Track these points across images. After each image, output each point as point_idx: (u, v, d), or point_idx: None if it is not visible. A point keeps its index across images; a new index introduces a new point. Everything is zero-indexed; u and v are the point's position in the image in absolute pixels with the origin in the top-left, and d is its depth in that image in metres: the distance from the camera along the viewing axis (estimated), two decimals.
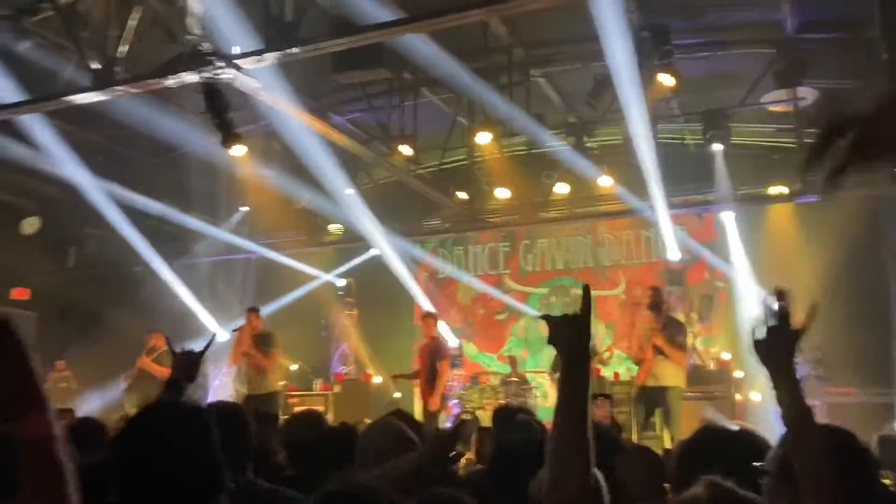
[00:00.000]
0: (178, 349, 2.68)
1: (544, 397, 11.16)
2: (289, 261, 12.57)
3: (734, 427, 2.28)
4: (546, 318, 1.81)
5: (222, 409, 2.67)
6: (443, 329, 13.27)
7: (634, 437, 7.65)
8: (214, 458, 1.77)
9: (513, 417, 3.86)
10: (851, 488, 1.86)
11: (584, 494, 1.60)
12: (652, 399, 7.67)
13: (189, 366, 2.62)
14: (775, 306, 1.89)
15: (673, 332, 7.75)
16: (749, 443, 2.16)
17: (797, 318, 1.91)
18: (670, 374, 7.67)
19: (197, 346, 2.72)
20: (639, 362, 7.91)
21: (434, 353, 8.85)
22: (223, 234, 12.66)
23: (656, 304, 7.96)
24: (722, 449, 2.13)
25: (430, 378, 8.73)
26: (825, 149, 1.09)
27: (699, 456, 2.14)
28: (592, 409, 4.59)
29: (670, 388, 7.64)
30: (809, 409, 1.84)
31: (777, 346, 1.85)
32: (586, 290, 1.85)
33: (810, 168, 1.28)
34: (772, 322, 1.88)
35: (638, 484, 2.45)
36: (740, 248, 10.86)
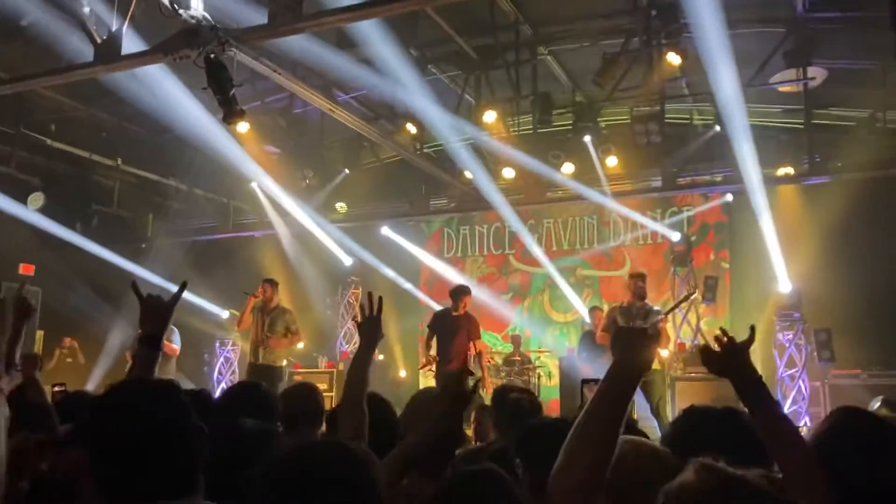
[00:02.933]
0: (145, 295, 2.34)
1: (548, 377, 11.17)
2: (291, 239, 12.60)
3: (719, 406, 2.27)
4: None
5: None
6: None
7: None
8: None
9: (507, 397, 3.86)
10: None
11: (591, 484, 1.58)
12: (646, 382, 7.73)
13: (159, 315, 2.30)
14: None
15: (656, 318, 7.86)
16: (736, 421, 2.15)
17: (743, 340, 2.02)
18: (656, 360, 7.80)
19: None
20: None
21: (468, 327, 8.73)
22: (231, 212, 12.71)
23: (637, 291, 8.04)
24: (709, 429, 2.12)
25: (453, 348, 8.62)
26: None
27: (687, 438, 2.13)
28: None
29: (655, 371, 7.77)
30: (777, 404, 1.87)
31: (730, 360, 1.91)
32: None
33: None
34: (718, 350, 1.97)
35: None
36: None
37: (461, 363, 8.50)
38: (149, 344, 2.29)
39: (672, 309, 8.22)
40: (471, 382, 2.68)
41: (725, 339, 2.00)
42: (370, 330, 2.86)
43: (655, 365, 7.83)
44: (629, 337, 1.74)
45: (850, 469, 1.78)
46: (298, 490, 1.46)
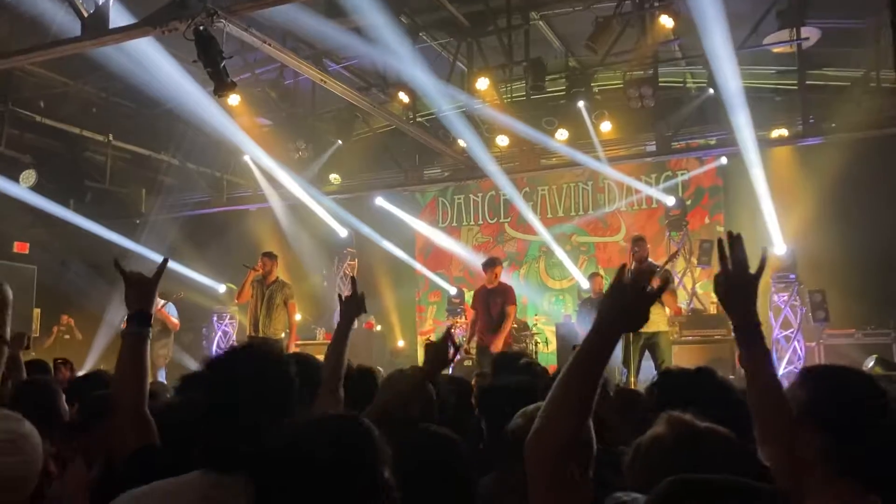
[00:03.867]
0: (127, 271, 2.30)
1: (545, 344, 11.22)
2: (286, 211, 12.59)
3: (692, 367, 2.31)
4: None
5: None
6: (442, 278, 13.35)
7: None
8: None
9: (515, 362, 3.90)
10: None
11: (567, 448, 1.56)
12: (647, 344, 7.70)
13: (144, 292, 2.28)
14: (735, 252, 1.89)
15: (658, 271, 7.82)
16: (708, 379, 2.22)
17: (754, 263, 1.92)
18: (661, 320, 7.71)
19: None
20: None
21: (503, 297, 8.61)
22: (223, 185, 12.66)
23: (638, 255, 8.02)
24: (684, 387, 2.17)
25: (492, 321, 8.45)
26: None
27: (663, 398, 2.18)
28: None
29: (661, 333, 7.69)
30: (767, 352, 1.86)
31: (736, 290, 1.86)
32: None
33: None
34: (731, 266, 1.88)
35: (619, 423, 2.47)
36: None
37: (509, 336, 8.43)
38: (139, 320, 2.24)
39: (664, 265, 8.24)
40: (451, 349, 2.69)
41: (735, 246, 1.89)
42: (351, 307, 2.97)
43: (662, 327, 7.78)
44: (622, 294, 1.62)
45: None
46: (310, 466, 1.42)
